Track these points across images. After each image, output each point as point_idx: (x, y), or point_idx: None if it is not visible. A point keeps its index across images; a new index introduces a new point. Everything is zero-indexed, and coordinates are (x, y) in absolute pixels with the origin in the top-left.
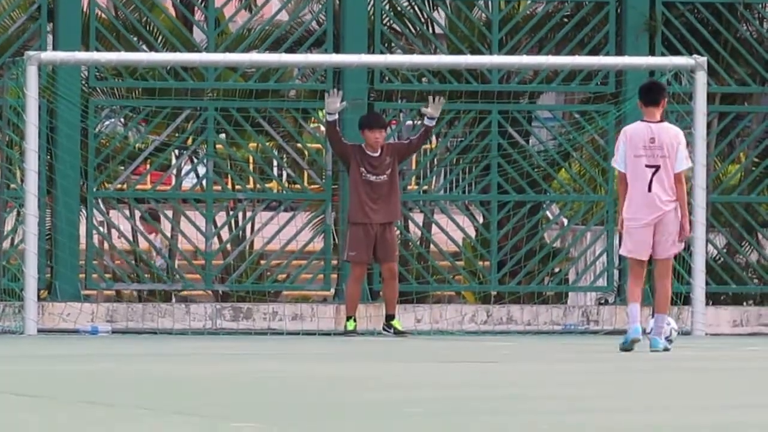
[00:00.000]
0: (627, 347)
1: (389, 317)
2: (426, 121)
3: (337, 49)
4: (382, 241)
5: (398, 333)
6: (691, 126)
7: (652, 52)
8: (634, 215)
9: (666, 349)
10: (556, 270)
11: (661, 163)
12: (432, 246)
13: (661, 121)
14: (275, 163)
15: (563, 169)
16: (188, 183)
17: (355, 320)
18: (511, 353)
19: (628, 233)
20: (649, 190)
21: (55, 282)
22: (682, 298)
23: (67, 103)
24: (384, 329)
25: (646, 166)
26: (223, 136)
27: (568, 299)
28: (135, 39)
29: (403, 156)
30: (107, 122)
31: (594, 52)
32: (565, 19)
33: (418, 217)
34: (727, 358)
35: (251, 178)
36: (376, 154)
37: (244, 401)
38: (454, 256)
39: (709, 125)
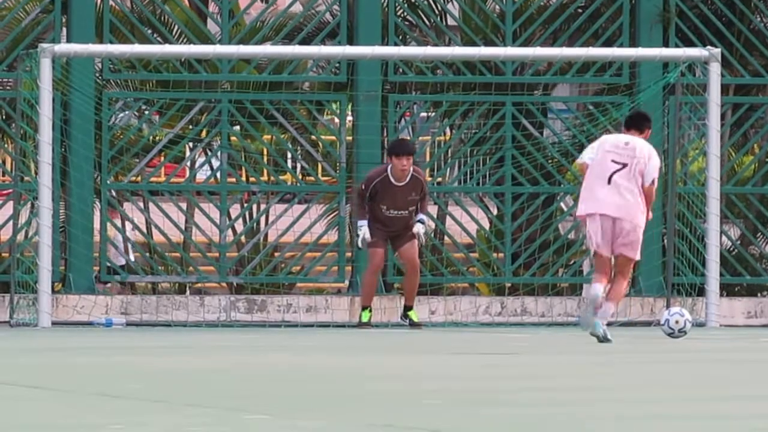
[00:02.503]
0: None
1: (407, 308)
2: (417, 227)
3: (351, 41)
4: (404, 233)
5: (413, 324)
6: (705, 117)
7: (666, 44)
8: (588, 205)
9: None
10: (571, 262)
11: (628, 162)
12: (446, 238)
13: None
14: (289, 155)
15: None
16: (202, 175)
17: (370, 311)
18: (526, 345)
19: (588, 221)
20: (609, 182)
21: (69, 274)
22: (697, 290)
23: (81, 95)
24: (401, 319)
25: (612, 161)
26: (237, 128)
27: (583, 291)
28: (149, 31)
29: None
30: (121, 114)
31: (608, 43)
32: (579, 11)
33: (433, 209)
34: (742, 350)
35: (265, 171)
36: (401, 184)
37: (257, 393)
38: (468, 248)
39: (723, 116)
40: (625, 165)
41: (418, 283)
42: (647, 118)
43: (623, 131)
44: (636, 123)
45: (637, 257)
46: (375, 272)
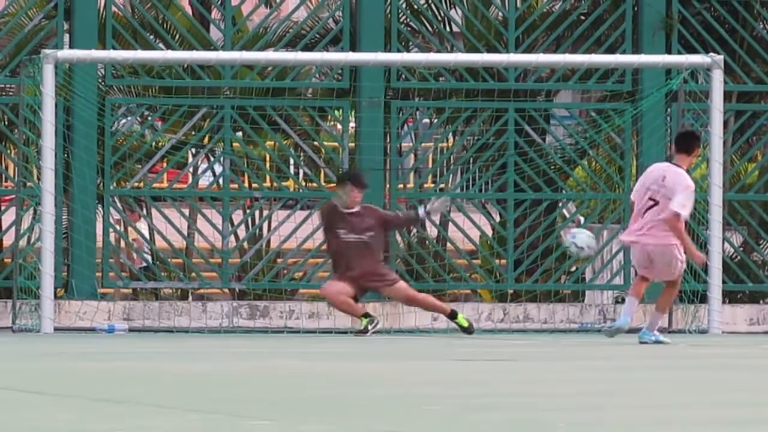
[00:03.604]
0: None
1: (451, 316)
2: (420, 211)
3: (353, 47)
4: (376, 279)
5: (465, 330)
6: (707, 124)
7: (668, 50)
8: (628, 236)
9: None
10: (573, 268)
11: (662, 202)
12: (448, 244)
13: (679, 165)
14: (292, 161)
15: (580, 167)
16: (205, 181)
17: (367, 315)
18: (528, 351)
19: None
20: (642, 216)
21: (71, 280)
22: (699, 297)
23: (84, 101)
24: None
25: (649, 198)
26: (239, 134)
27: (585, 297)
28: (151, 37)
29: (384, 227)
30: (124, 120)
31: (611, 50)
32: (582, 17)
33: (435, 215)
34: (744, 356)
35: (268, 177)
36: (353, 210)
37: (259, 399)
38: (470, 255)
39: (725, 123)
40: (657, 203)
41: (431, 298)
42: (696, 136)
43: (673, 151)
44: (684, 145)
45: (674, 277)
46: (336, 300)
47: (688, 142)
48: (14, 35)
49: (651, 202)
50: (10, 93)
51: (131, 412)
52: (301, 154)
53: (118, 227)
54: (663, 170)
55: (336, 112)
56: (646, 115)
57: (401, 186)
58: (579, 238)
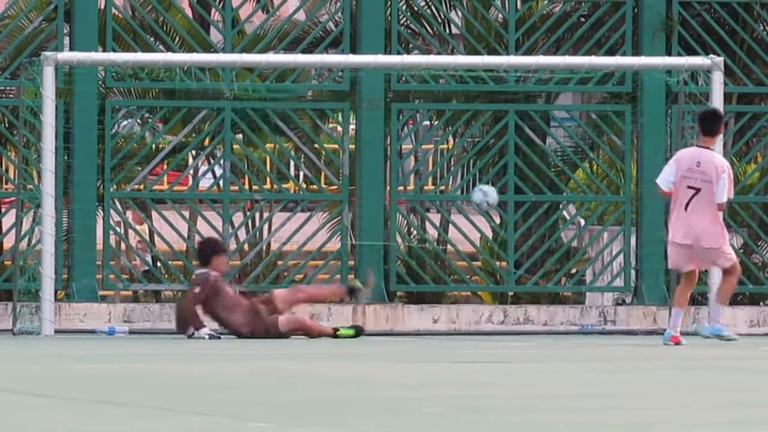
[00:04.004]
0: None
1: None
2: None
3: (353, 50)
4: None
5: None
6: None
7: (668, 52)
8: (673, 232)
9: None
10: (573, 270)
11: (702, 187)
12: (449, 246)
13: (707, 147)
14: (292, 163)
15: (580, 169)
16: (205, 183)
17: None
18: (529, 353)
19: (670, 245)
20: (686, 209)
21: (72, 282)
22: (699, 298)
23: (84, 103)
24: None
25: (688, 187)
26: (240, 136)
27: (586, 299)
28: (152, 39)
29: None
30: (124, 122)
31: (611, 52)
32: (582, 19)
33: (435, 218)
34: (744, 358)
35: (268, 179)
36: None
37: (260, 401)
38: (471, 257)
39: (725, 125)
40: (698, 190)
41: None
42: (719, 116)
43: (699, 135)
44: (709, 127)
45: (728, 265)
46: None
47: (713, 124)
48: (14, 38)
49: (692, 191)
50: (11, 95)
51: (132, 414)
52: (302, 156)
53: (118, 229)
54: (695, 156)
55: (336, 114)
56: (645, 117)
57: (401, 188)
58: (491, 196)
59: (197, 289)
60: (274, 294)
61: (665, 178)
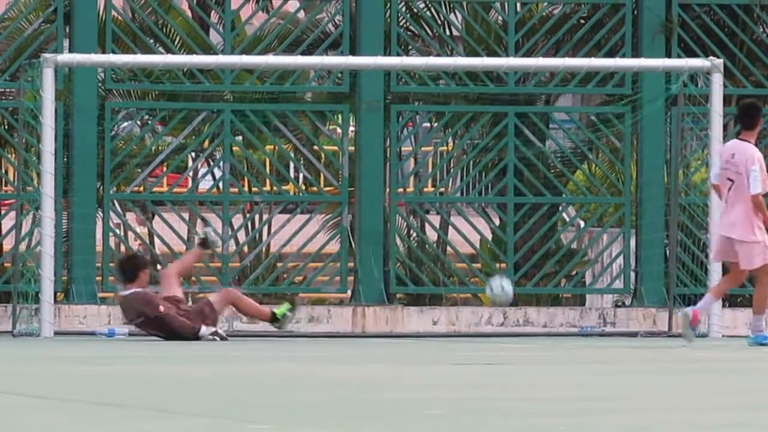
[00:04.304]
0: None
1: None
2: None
3: (353, 51)
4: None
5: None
6: (707, 127)
7: (668, 54)
8: (719, 223)
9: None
10: (573, 272)
11: (735, 179)
12: (448, 248)
13: (746, 140)
14: (292, 165)
15: (580, 171)
16: (205, 185)
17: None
18: (528, 355)
19: (715, 237)
20: (726, 201)
21: (71, 284)
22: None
23: (84, 105)
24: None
25: (728, 179)
26: (239, 138)
27: (585, 301)
28: (151, 41)
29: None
30: (123, 124)
31: (610, 54)
32: (582, 21)
33: (435, 219)
34: (744, 360)
35: (268, 181)
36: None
37: (260, 403)
38: (470, 258)
39: (725, 127)
40: (733, 181)
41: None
42: (757, 108)
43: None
44: (746, 120)
45: (752, 267)
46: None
47: (750, 117)
48: (14, 39)
49: (729, 183)
50: (10, 97)
51: (131, 416)
52: (301, 158)
53: (118, 231)
54: (732, 148)
55: (336, 116)
56: (646, 118)
57: (401, 190)
58: (507, 288)
59: (162, 308)
60: (207, 297)
61: (713, 172)
